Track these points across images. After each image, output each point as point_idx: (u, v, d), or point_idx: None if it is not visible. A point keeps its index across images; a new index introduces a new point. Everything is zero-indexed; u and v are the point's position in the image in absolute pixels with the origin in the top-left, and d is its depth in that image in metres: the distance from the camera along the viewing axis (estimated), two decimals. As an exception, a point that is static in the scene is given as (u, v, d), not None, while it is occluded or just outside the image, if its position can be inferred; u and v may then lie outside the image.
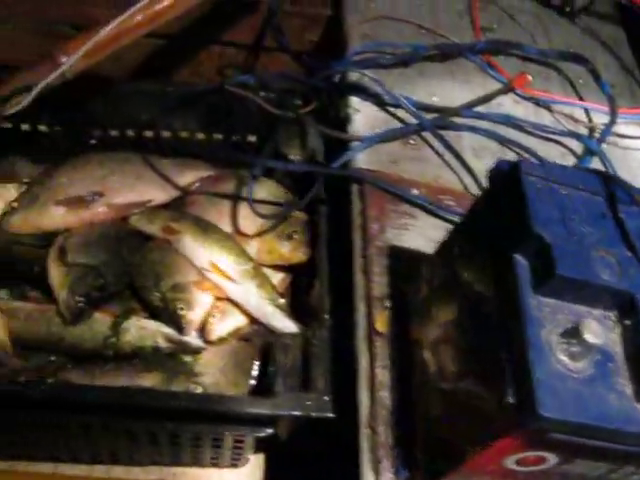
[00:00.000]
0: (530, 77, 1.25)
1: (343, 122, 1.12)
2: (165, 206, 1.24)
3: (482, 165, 1.11)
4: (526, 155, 1.13)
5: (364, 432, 0.86)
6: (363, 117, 1.13)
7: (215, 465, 1.13)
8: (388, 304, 0.94)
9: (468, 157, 1.11)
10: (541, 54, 1.29)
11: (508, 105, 1.22)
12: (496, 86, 1.23)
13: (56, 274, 1.11)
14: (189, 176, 1.26)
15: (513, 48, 1.28)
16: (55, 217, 1.18)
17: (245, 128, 1.26)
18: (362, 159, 1.08)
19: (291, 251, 1.12)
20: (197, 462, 1.12)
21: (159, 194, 1.23)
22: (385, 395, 0.88)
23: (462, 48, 1.24)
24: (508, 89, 1.23)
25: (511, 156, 1.12)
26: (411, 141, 1.12)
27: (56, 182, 1.20)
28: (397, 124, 1.14)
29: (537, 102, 1.22)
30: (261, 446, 1.10)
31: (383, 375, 0.89)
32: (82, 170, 1.21)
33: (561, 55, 1.30)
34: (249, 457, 1.12)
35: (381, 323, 0.93)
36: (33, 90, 1.01)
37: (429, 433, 0.83)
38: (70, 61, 1.02)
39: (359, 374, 0.90)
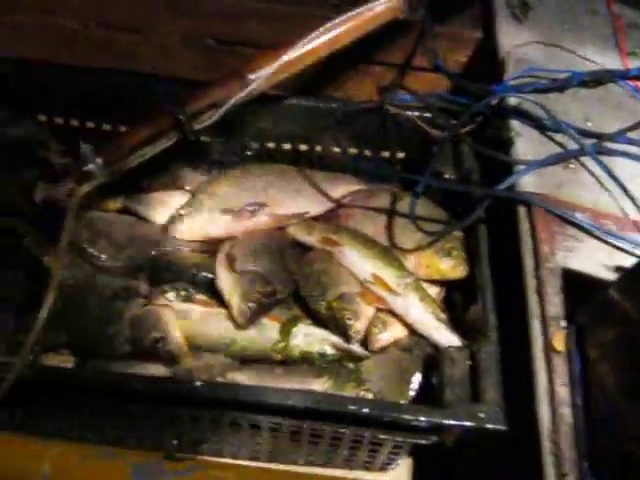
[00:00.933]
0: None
1: (505, 145, 1.16)
2: (320, 218, 1.29)
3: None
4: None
5: (546, 446, 0.90)
6: (525, 140, 1.17)
7: (366, 469, 1.18)
8: (564, 324, 0.98)
9: (626, 182, 1.14)
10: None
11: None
12: (646, 112, 1.26)
13: (226, 280, 1.17)
14: (342, 189, 1.32)
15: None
16: (220, 225, 1.24)
17: (398, 146, 1.30)
18: (527, 182, 1.11)
19: (451, 267, 1.17)
20: (349, 465, 1.17)
21: (315, 206, 1.29)
22: (566, 412, 0.92)
23: (614, 74, 1.27)
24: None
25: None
26: (571, 165, 1.16)
27: (222, 192, 1.26)
28: (556, 148, 1.17)
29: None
30: (413, 451, 1.16)
31: (563, 392, 0.93)
32: (245, 181, 1.27)
33: None
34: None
35: (558, 342, 0.96)
36: (223, 106, 1.08)
37: (615, 449, 0.87)
38: (258, 80, 1.08)
39: (538, 390, 0.94)
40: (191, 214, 1.25)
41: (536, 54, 1.31)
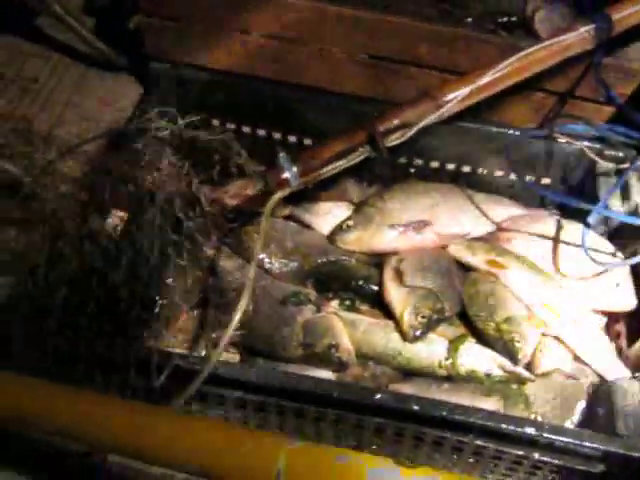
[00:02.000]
0: None
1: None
2: (479, 239, 1.31)
3: None
4: None
5: None
6: None
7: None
8: None
9: None
10: None
11: None
12: None
13: (396, 294, 1.20)
14: (503, 212, 1.34)
15: None
16: (387, 239, 1.28)
17: (561, 174, 1.32)
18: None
19: (620, 300, 1.18)
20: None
21: (477, 227, 1.31)
22: None
23: None
24: None
25: None
26: None
27: (389, 207, 1.29)
28: None
29: None
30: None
31: None
32: (413, 198, 1.30)
33: None
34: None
35: None
36: (414, 127, 1.11)
37: None
38: (450, 103, 1.11)
39: None
40: (358, 226, 1.28)
41: None
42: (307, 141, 1.38)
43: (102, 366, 1.02)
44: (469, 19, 1.67)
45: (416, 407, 0.95)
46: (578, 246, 1.19)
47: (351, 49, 1.44)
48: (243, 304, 1.01)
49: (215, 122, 1.39)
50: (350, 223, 1.29)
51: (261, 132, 1.39)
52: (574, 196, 1.23)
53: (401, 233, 1.27)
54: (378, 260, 1.28)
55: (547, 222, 1.31)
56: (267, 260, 1.27)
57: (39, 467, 1.13)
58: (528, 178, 1.36)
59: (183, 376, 1.01)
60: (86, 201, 1.10)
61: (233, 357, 1.22)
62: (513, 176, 1.37)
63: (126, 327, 1.09)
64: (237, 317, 1.00)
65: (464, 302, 1.21)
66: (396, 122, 1.11)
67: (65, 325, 1.03)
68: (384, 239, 1.27)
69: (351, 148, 1.10)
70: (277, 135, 1.39)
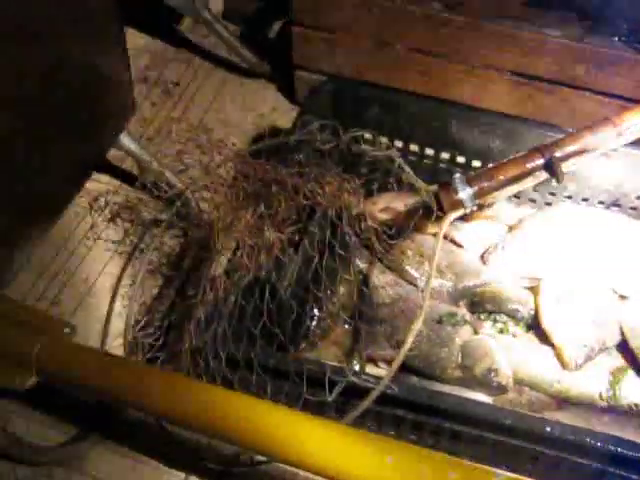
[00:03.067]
0: None
1: None
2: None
3: None
4: None
5: None
6: None
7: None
8: None
9: None
10: None
11: None
12: None
13: (554, 321, 1.19)
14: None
15: None
16: (538, 264, 1.26)
17: None
18: None
19: None
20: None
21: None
22: None
23: None
24: None
25: None
26: None
27: (541, 231, 1.28)
28: None
29: None
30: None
31: None
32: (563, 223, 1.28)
33: None
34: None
35: None
36: (591, 153, 1.09)
37: None
38: (632, 130, 1.08)
39: None
40: (511, 248, 1.27)
41: None
42: (460, 159, 1.36)
43: (274, 375, 1.03)
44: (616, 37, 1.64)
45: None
46: None
47: (503, 66, 1.43)
48: (417, 325, 1.01)
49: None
50: (503, 245, 1.27)
51: (413, 148, 1.38)
52: None
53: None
54: (532, 283, 1.25)
55: None
56: (421, 279, 1.26)
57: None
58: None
59: (353, 392, 1.01)
60: (261, 213, 1.11)
61: (381, 372, 1.22)
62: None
63: (290, 338, 1.10)
64: (411, 339, 1.00)
65: (625, 333, 1.18)
66: (575, 148, 1.09)
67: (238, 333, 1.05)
68: (535, 263, 1.26)
69: (529, 172, 1.08)
70: (430, 151, 1.38)
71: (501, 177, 1.08)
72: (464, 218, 1.33)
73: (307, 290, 1.14)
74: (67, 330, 1.08)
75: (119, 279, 1.41)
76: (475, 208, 1.10)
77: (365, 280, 1.28)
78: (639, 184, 1.31)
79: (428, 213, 1.16)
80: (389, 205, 1.34)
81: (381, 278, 1.28)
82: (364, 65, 1.53)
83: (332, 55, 1.53)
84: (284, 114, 1.68)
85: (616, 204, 1.34)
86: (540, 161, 1.08)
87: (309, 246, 1.13)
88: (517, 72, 1.44)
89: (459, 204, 1.08)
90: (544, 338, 1.20)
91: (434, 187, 1.12)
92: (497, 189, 1.09)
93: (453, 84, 1.49)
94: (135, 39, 1.81)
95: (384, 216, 1.34)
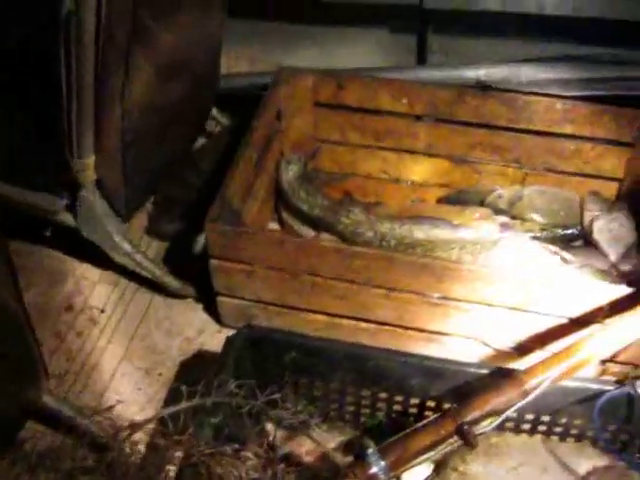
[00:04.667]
0: None
1: None
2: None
3: None
4: None
5: None
6: None
7: None
8: None
9: None
10: None
11: None
12: None
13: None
14: (586, 464, 1.30)
15: None
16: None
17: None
18: None
19: None
20: None
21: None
22: None
23: None
24: None
25: None
26: None
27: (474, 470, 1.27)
28: None
29: None
30: None
31: None
32: (496, 459, 1.28)
33: None
34: None
35: None
36: (502, 414, 1.10)
37: None
38: (538, 387, 1.10)
39: None
40: None
41: None
42: (383, 395, 1.36)
43: None
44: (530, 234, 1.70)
45: None
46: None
47: (420, 290, 1.46)
48: None
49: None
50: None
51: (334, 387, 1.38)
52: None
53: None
54: None
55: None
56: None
57: None
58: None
59: None
60: None
61: None
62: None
63: None
64: None
65: None
66: (482, 411, 1.10)
67: None
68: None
69: (441, 439, 1.08)
70: (351, 389, 1.37)
71: (414, 448, 1.08)
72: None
73: None
74: None
75: None
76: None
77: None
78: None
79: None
80: (315, 449, 1.33)
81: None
82: (283, 292, 1.55)
83: (252, 284, 1.55)
84: (211, 337, 1.68)
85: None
86: (450, 428, 1.08)
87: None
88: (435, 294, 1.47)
89: (374, 477, 1.07)
90: None
91: (349, 460, 1.11)
92: (411, 460, 1.08)
93: (373, 307, 1.52)
94: (59, 264, 1.82)
95: (308, 459, 1.33)
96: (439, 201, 1.94)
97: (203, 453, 1.15)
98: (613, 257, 1.70)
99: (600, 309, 1.36)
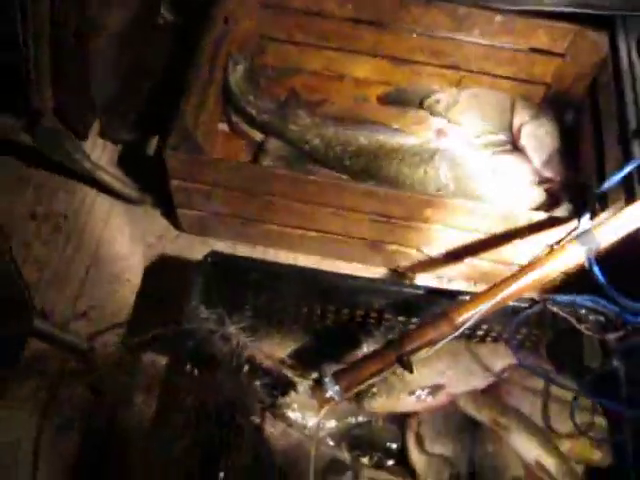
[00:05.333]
0: None
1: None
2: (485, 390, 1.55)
3: None
4: None
5: None
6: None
7: None
8: None
9: None
10: None
11: None
12: None
13: (419, 460, 1.44)
14: (502, 362, 1.57)
15: None
16: (407, 404, 1.51)
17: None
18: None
19: (600, 458, 1.44)
20: None
21: (481, 382, 1.54)
22: None
23: None
24: None
25: None
26: None
27: (409, 375, 1.51)
28: None
29: None
30: None
31: None
32: (427, 365, 1.52)
33: None
34: None
35: None
36: (435, 345, 1.32)
37: None
38: (465, 322, 1.32)
39: None
40: (383, 393, 1.50)
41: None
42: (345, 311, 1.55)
43: None
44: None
45: None
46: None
47: (365, 211, 1.62)
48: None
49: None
50: (374, 390, 1.51)
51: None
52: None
53: (418, 398, 1.50)
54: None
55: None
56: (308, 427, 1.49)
57: None
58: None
59: None
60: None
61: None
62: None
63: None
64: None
65: (476, 463, 1.46)
66: (419, 344, 1.31)
67: None
68: (405, 404, 1.50)
69: (385, 367, 1.30)
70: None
71: (363, 375, 1.30)
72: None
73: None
74: None
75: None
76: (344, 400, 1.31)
77: (259, 433, 1.49)
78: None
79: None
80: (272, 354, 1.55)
81: (273, 429, 1.49)
82: (240, 209, 1.69)
83: (211, 202, 1.68)
84: (171, 242, 1.82)
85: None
86: (393, 357, 1.30)
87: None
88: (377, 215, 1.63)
89: (330, 400, 1.29)
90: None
91: (310, 383, 1.33)
92: (360, 383, 1.30)
93: (322, 221, 1.67)
94: (20, 170, 1.87)
95: (269, 364, 1.54)
96: (380, 99, 2.03)
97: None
98: (537, 163, 1.88)
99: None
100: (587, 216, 1.45)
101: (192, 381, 1.38)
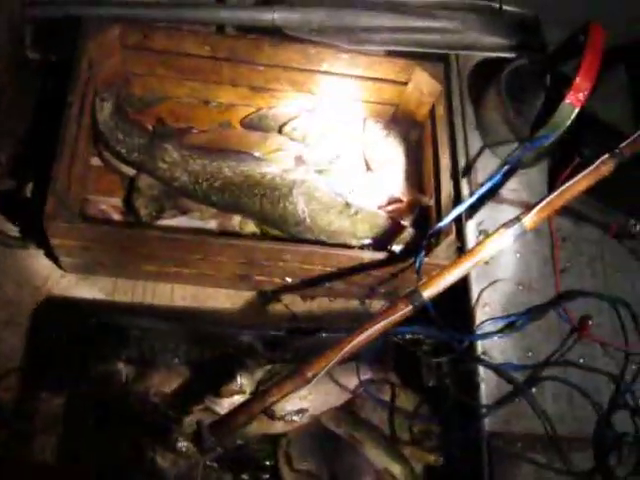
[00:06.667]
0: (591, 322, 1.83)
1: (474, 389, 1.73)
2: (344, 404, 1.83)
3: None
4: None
5: None
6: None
7: None
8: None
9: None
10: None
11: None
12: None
13: (288, 477, 1.73)
14: (354, 381, 1.85)
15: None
16: (277, 427, 1.78)
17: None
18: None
19: (433, 460, 1.77)
20: None
21: (339, 400, 1.83)
22: None
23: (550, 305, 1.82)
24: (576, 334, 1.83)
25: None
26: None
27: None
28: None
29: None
30: None
31: None
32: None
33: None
34: None
35: None
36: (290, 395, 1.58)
37: None
38: (315, 377, 1.57)
39: None
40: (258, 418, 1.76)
41: (497, 295, 1.83)
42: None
43: None
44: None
45: None
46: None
47: (230, 258, 1.83)
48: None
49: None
50: (249, 417, 1.76)
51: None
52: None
53: (286, 421, 1.77)
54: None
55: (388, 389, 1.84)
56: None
57: None
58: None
59: None
60: None
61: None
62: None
63: None
64: None
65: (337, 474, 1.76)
66: (279, 395, 1.55)
67: None
68: (275, 427, 1.77)
69: (251, 419, 1.55)
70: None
71: (234, 424, 1.54)
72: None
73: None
74: None
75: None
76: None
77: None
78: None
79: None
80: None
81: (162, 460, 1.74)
82: (117, 260, 1.85)
83: (88, 254, 1.83)
84: (57, 283, 1.96)
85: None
86: (258, 410, 1.55)
87: None
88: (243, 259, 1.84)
89: (210, 450, 1.54)
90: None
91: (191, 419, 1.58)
92: (233, 432, 1.55)
93: (194, 265, 1.87)
94: None
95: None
96: (243, 124, 2.18)
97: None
98: (386, 183, 2.10)
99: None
100: (422, 254, 1.72)
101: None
